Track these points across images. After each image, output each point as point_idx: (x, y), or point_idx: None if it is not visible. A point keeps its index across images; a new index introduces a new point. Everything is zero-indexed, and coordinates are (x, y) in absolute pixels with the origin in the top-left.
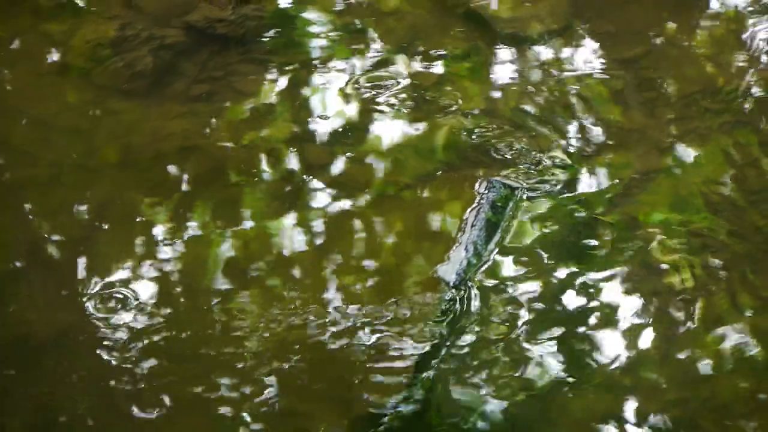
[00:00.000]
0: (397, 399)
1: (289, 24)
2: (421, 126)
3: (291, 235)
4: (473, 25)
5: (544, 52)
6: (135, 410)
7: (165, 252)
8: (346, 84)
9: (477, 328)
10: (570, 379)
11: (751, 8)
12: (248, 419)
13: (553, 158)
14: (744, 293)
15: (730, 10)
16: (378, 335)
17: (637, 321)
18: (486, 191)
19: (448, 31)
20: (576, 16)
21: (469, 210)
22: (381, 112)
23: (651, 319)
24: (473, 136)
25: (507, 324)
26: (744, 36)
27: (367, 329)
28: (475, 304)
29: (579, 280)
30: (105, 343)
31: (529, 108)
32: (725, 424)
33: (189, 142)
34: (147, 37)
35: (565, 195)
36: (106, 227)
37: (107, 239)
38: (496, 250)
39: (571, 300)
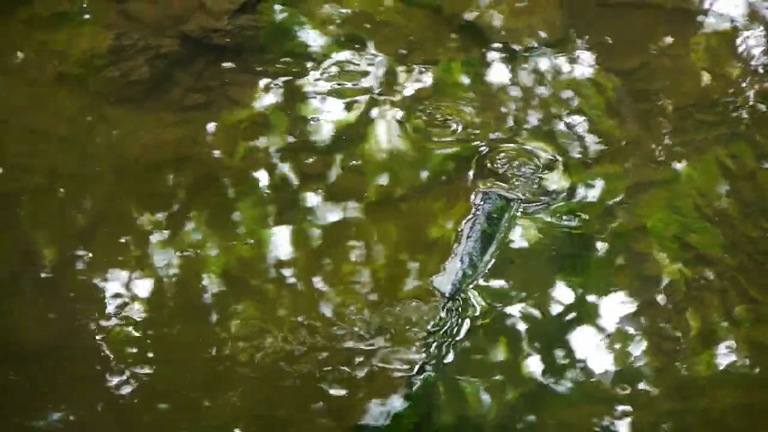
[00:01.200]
0: (390, 408)
1: (285, 34)
2: (417, 136)
3: (286, 244)
4: (469, 36)
5: (539, 64)
6: (129, 418)
7: (159, 261)
8: (342, 94)
9: (471, 339)
10: (564, 390)
11: (747, 20)
12: (241, 428)
13: (548, 169)
14: (738, 306)
15: (726, 23)
16: (373, 345)
17: (631, 332)
18: (482, 203)
19: (443, 42)
20: (571, 27)
21: (464, 221)
22: (376, 122)
23: (645, 331)
24: (468, 147)
25: (501, 334)
26: (740, 48)
27: (362, 339)
28: (470, 314)
29: (573, 291)
30: (100, 351)
31: (524, 119)
32: None
33: (184, 151)
34: (143, 46)
35: (560, 206)
36: (101, 236)
37: (102, 248)
38: (492, 261)
39: (566, 311)
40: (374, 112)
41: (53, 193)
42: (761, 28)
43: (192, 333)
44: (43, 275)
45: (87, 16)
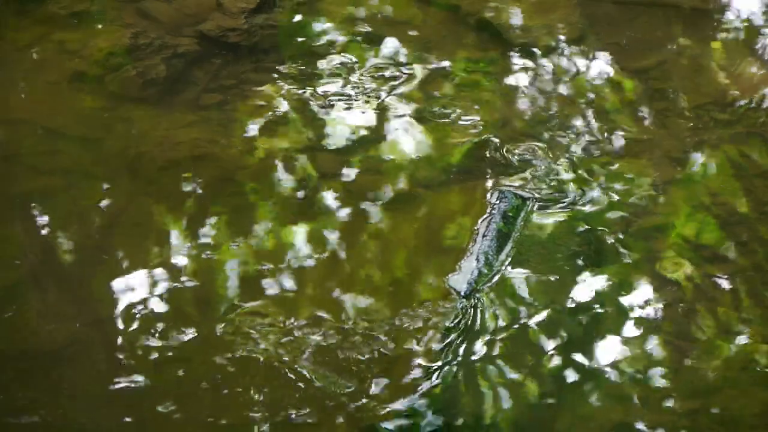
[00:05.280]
0: (407, 408)
1: (302, 33)
2: (434, 135)
3: (303, 243)
4: (486, 35)
5: (557, 63)
6: (145, 419)
7: (177, 260)
8: (359, 93)
9: (487, 338)
10: (581, 390)
11: (764, 20)
12: (256, 427)
13: (565, 168)
14: (753, 305)
15: (744, 22)
16: (389, 344)
17: (647, 332)
18: (498, 201)
19: (461, 41)
20: (588, 27)
21: (480, 220)
22: (393, 121)
23: (661, 330)
24: (485, 146)
25: (517, 333)
26: (757, 47)
27: (377, 338)
28: (486, 313)
29: (589, 290)
30: (116, 352)
31: (541, 118)
32: None
33: (201, 150)
34: (160, 45)
35: (577, 205)
36: (118, 236)
37: (119, 247)
38: (508, 260)
39: (582, 310)
40: (392, 110)
41: (70, 192)
42: None
43: (208, 332)
44: (59, 274)
45: (104, 16)
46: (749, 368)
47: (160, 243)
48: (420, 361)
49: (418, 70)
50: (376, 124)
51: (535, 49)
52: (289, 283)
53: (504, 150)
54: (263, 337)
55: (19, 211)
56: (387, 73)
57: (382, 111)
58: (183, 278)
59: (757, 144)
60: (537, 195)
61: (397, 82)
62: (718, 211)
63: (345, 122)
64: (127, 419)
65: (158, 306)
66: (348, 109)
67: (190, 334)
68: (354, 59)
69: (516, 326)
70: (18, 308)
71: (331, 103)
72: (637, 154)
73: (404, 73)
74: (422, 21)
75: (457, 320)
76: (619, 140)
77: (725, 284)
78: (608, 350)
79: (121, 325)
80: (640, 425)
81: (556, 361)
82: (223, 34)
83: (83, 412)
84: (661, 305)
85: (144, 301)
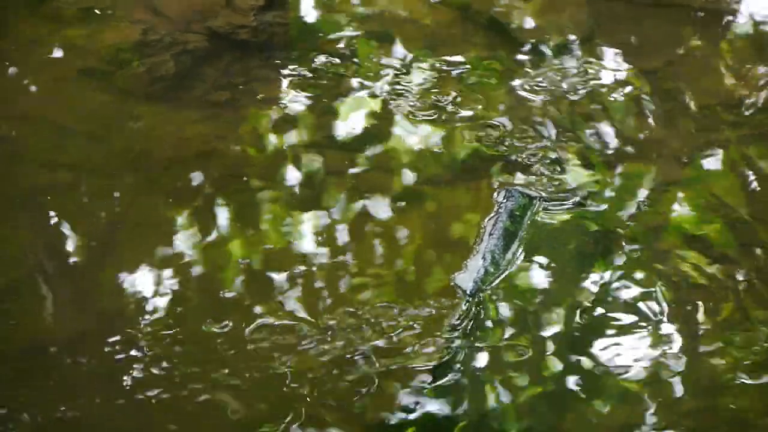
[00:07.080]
0: (410, 407)
1: (311, 30)
2: (442, 133)
3: (310, 239)
4: (495, 33)
5: (565, 62)
6: (151, 417)
7: (183, 257)
8: (368, 90)
9: (492, 338)
10: (586, 389)
11: None
12: (261, 425)
13: (572, 167)
14: (757, 305)
15: (754, 23)
16: (393, 343)
17: (653, 332)
18: (504, 200)
19: (470, 39)
20: (597, 26)
21: (487, 219)
22: (402, 118)
23: (667, 330)
24: (493, 145)
25: (522, 333)
26: (767, 49)
27: (382, 336)
28: (491, 312)
29: (595, 290)
30: (122, 349)
31: (548, 117)
32: None
33: (209, 147)
34: (169, 42)
35: (583, 204)
36: (124, 233)
37: (125, 245)
38: (516, 258)
39: (587, 309)
40: (400, 108)
41: (77, 188)
42: None
43: (215, 330)
44: (63, 271)
45: (113, 11)
46: (756, 368)
47: (166, 240)
48: (425, 359)
49: (427, 68)
50: (384, 121)
51: (543, 48)
52: (295, 279)
53: (511, 148)
54: (268, 334)
55: (23, 207)
56: (396, 71)
57: (390, 108)
58: (189, 275)
59: (764, 146)
60: (544, 194)
61: (405, 80)
62: (724, 212)
63: (353, 119)
64: (131, 418)
65: (163, 303)
66: (356, 106)
67: (194, 331)
68: (363, 56)
69: (519, 325)
70: (20, 306)
71: (339, 100)
72: (643, 154)
73: (413, 71)
74: (432, 19)
75: (462, 318)
76: (625, 139)
77: (730, 284)
78: (613, 350)
79: (125, 324)
80: (646, 426)
81: (561, 360)
82: (233, 31)
83: (85, 412)
84: (666, 304)
85: (149, 298)
